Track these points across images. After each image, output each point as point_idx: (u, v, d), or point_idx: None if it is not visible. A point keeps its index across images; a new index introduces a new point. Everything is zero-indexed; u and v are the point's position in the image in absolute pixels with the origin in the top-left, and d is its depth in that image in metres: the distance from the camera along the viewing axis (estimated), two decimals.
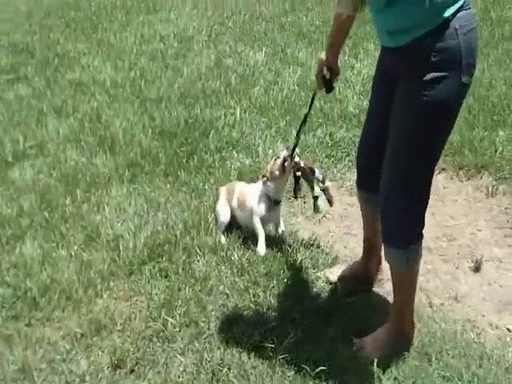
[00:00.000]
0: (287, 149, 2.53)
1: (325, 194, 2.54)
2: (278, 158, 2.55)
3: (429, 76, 1.69)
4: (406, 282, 2.00)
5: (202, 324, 2.28)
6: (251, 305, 2.35)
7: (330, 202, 2.54)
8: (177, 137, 3.68)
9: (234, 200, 2.76)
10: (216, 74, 4.69)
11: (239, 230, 2.78)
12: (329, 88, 2.15)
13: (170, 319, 2.30)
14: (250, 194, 2.70)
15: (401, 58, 1.78)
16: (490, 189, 2.99)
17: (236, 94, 4.28)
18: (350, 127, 3.69)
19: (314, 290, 2.43)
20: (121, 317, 2.35)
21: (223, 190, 2.86)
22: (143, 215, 2.98)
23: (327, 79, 2.12)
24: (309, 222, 2.93)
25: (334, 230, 2.87)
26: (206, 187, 3.16)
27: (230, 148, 3.53)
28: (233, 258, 2.61)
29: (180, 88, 4.46)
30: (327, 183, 2.57)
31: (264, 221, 2.67)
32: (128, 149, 3.62)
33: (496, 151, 3.19)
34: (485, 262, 2.50)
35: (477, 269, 2.46)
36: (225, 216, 2.77)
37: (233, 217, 2.78)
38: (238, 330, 2.23)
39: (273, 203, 2.63)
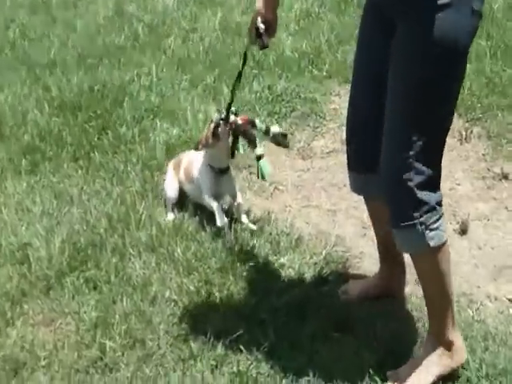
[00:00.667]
0: (218, 111, 2.44)
1: (276, 140, 2.44)
2: (211, 121, 2.44)
3: (431, 8, 1.54)
4: (433, 271, 1.78)
5: (149, 343, 2.09)
6: (207, 310, 2.19)
7: (285, 143, 2.46)
8: (82, 109, 3.40)
9: (180, 172, 2.66)
10: (118, 25, 4.38)
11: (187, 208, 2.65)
12: (263, 43, 1.95)
13: (107, 342, 2.09)
14: (197, 164, 2.59)
15: None
16: (464, 133, 2.93)
17: (147, 49, 4.01)
18: (290, 76, 3.56)
19: (280, 281, 2.30)
20: (43, 348, 2.11)
21: (170, 164, 2.75)
22: (53, 213, 2.71)
23: (261, 33, 1.92)
24: (259, 197, 2.78)
25: (291, 203, 2.75)
26: (129, 168, 2.92)
27: (151, 116, 3.31)
28: (176, 254, 2.42)
29: (76, 47, 4.12)
30: (274, 129, 2.42)
31: (215, 194, 2.54)
32: (21, 131, 3.29)
33: (463, 87, 3.12)
34: (471, 221, 2.43)
35: (463, 231, 2.40)
36: (172, 190, 2.67)
37: (182, 191, 2.68)
38: (197, 344, 2.06)
39: (218, 172, 2.52)
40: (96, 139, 3.16)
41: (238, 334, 2.05)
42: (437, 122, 1.68)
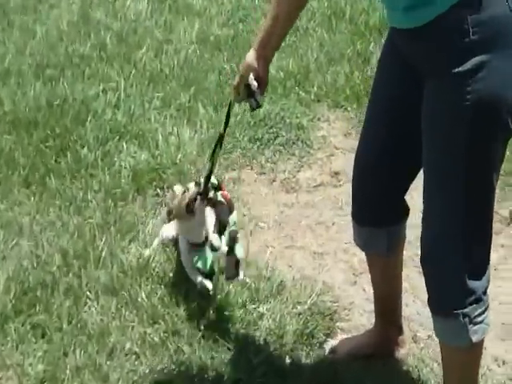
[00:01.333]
0: (196, 183, 2.29)
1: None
2: (187, 190, 2.30)
3: (469, 63, 1.46)
4: (465, 366, 1.75)
5: None
6: (174, 366, 2.13)
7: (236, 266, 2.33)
8: (38, 127, 3.32)
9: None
10: (83, 32, 4.30)
11: None
12: (257, 103, 1.91)
13: None
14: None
15: (425, 43, 1.54)
16: None
17: (115, 61, 3.96)
18: (275, 98, 3.53)
19: (258, 334, 2.25)
20: None
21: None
22: None
23: (254, 91, 1.87)
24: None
25: (272, 242, 2.71)
26: (89, 197, 2.87)
27: (117, 138, 3.25)
28: (139, 298, 2.36)
29: (34, 55, 4.04)
30: (238, 250, 2.34)
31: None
32: None
33: None
34: None
35: None
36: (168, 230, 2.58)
37: None
38: None
39: (195, 246, 2.34)
40: (53, 162, 3.09)
41: None
42: (485, 178, 1.58)
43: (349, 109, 3.40)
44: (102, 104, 3.50)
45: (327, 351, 2.17)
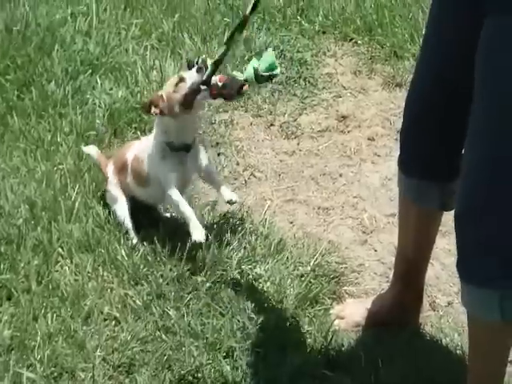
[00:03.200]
0: (199, 69, 2.12)
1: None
2: (182, 79, 2.21)
3: None
4: (494, 344, 1.74)
5: (80, 374, 2.04)
6: (159, 333, 2.14)
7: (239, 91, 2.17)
8: None
9: (128, 175, 2.46)
10: None
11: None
12: None
13: (24, 372, 2.03)
14: (146, 154, 2.40)
15: None
16: None
17: None
18: (273, 29, 3.54)
19: (255, 298, 2.26)
20: None
21: (110, 169, 2.53)
22: None
23: None
24: (230, 186, 2.72)
25: (270, 195, 2.73)
26: (59, 139, 2.85)
27: (89, 72, 3.23)
28: (119, 256, 2.37)
29: None
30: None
31: (183, 183, 2.38)
32: None
33: None
34: None
35: None
36: (123, 207, 2.49)
37: (135, 198, 2.51)
38: (143, 377, 2.01)
39: (182, 150, 2.31)
40: (15, 98, 3.06)
41: (196, 364, 2.02)
42: None
43: (359, 42, 3.39)
44: (71, 31, 3.46)
45: (333, 318, 2.19)
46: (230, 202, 2.38)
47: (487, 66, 1.60)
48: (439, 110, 1.83)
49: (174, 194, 2.32)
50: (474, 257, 1.66)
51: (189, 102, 2.17)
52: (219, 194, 2.41)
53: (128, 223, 2.47)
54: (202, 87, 2.14)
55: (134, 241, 2.44)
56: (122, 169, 2.48)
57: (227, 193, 2.38)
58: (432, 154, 1.89)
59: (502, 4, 1.54)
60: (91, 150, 2.62)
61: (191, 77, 2.16)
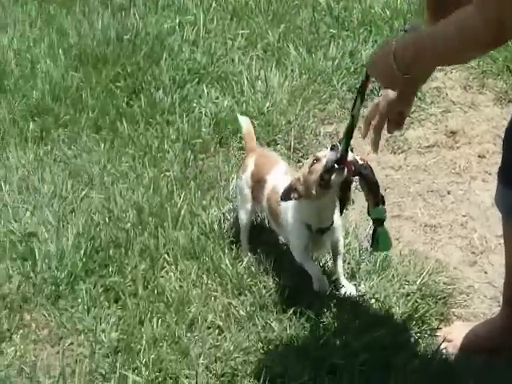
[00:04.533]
0: (333, 147, 2.02)
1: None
2: (318, 159, 2.08)
3: None
4: None
5: (184, 381, 2.06)
6: (261, 344, 2.14)
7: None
8: (108, 64, 3.41)
9: (263, 195, 2.35)
10: None
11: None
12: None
13: (130, 375, 2.06)
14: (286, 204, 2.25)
15: None
16: None
17: None
18: (379, 40, 3.47)
19: (359, 315, 2.22)
20: (47, 374, 2.11)
21: (244, 178, 2.42)
22: (67, 197, 2.72)
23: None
24: None
25: None
26: (166, 146, 2.92)
27: (196, 80, 3.30)
28: (223, 265, 2.39)
29: None
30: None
31: (311, 252, 2.32)
32: (28, 85, 3.31)
33: None
34: None
35: None
36: (247, 217, 2.44)
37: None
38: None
39: (317, 232, 2.21)
40: (124, 104, 3.16)
41: (301, 381, 2.00)
42: None
43: None
44: (179, 40, 3.56)
45: (440, 340, 2.14)
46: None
47: None
48: None
49: (299, 256, 2.27)
50: None
51: (325, 181, 2.05)
52: (336, 279, 2.33)
53: (244, 230, 2.45)
54: (337, 166, 2.01)
55: (245, 248, 2.45)
56: (259, 183, 2.37)
57: (347, 286, 2.30)
58: None
59: None
60: (244, 120, 2.54)
61: (326, 155, 2.04)
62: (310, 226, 2.19)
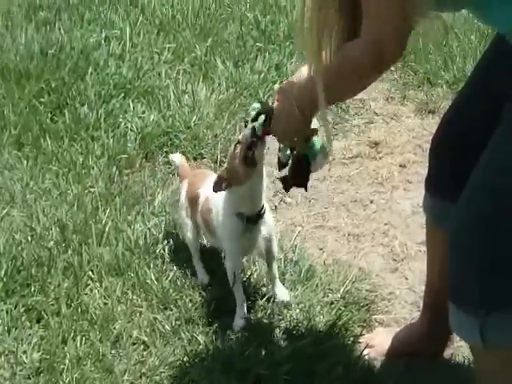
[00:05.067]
0: (246, 123, 2.04)
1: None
2: (239, 142, 2.08)
3: None
4: (489, 372, 1.72)
5: None
6: (187, 358, 2.15)
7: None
8: (31, 79, 3.36)
9: (198, 210, 2.35)
10: None
11: None
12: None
13: None
14: (215, 208, 2.26)
15: None
16: None
17: (120, 3, 4.02)
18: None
19: (284, 325, 2.26)
20: None
21: (184, 186, 2.44)
22: None
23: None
24: None
25: (301, 221, 2.74)
26: (90, 162, 2.90)
27: (122, 95, 3.29)
28: (148, 280, 2.38)
29: None
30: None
31: (243, 253, 2.32)
32: None
33: None
34: None
35: None
36: (193, 233, 2.41)
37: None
38: None
39: (249, 222, 2.19)
40: (48, 120, 3.12)
41: None
42: None
43: (392, 68, 3.38)
44: (105, 55, 3.54)
45: (362, 347, 2.18)
46: (283, 303, 2.30)
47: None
48: (473, 136, 1.81)
49: (231, 269, 2.25)
50: (458, 283, 1.69)
51: (250, 158, 2.04)
52: (271, 285, 2.33)
53: (193, 247, 2.43)
54: (255, 139, 2.00)
55: (204, 278, 2.40)
56: (193, 199, 2.37)
57: (282, 292, 2.30)
58: (455, 175, 1.86)
59: None
60: (176, 158, 2.56)
61: (244, 131, 2.04)
62: (243, 215, 2.16)
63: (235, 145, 2.09)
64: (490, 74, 1.82)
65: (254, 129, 1.97)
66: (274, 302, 2.31)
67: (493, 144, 1.65)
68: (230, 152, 2.16)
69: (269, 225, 2.25)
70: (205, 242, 2.50)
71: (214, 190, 2.13)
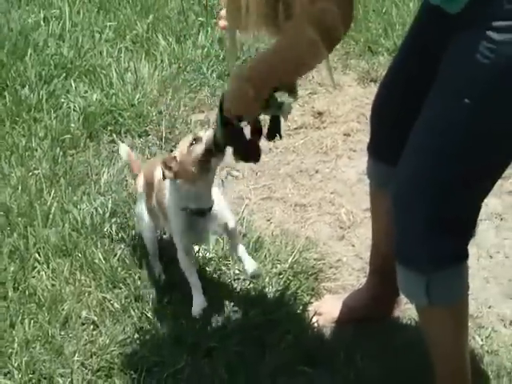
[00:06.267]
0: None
1: None
2: (197, 140, 2.00)
3: (501, 23, 1.49)
4: (432, 330, 1.78)
5: (59, 380, 2.03)
6: (137, 335, 2.14)
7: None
8: None
9: (153, 198, 2.24)
10: None
11: None
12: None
13: (2, 380, 2.03)
14: (167, 191, 2.16)
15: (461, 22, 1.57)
16: None
17: None
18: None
19: (233, 297, 2.27)
20: None
21: (141, 180, 2.31)
22: None
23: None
24: None
25: (248, 194, 2.73)
26: (34, 144, 2.85)
27: (63, 75, 3.23)
28: (96, 260, 2.37)
29: None
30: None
31: (193, 241, 2.24)
32: None
33: None
34: (480, 220, 2.40)
35: None
36: (150, 230, 2.32)
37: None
38: (123, 381, 2.02)
39: (198, 214, 2.11)
40: None
41: (178, 367, 2.03)
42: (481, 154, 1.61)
43: None
44: (44, 35, 3.46)
45: (311, 315, 2.20)
46: (255, 277, 2.20)
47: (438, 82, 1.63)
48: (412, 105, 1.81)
49: (182, 258, 2.19)
50: (401, 238, 1.71)
51: (204, 165, 1.97)
52: (238, 261, 2.26)
53: (150, 243, 2.34)
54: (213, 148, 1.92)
55: (157, 270, 2.33)
56: (149, 186, 2.26)
57: (250, 265, 2.17)
58: (397, 140, 1.84)
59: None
60: (122, 149, 2.46)
61: (207, 135, 1.95)
62: (191, 209, 2.09)
63: (193, 140, 2.00)
64: (422, 33, 1.82)
65: (214, 135, 1.90)
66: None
67: (427, 103, 1.66)
68: (183, 144, 2.05)
69: (222, 215, 2.16)
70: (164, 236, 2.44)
71: (162, 178, 2.05)
